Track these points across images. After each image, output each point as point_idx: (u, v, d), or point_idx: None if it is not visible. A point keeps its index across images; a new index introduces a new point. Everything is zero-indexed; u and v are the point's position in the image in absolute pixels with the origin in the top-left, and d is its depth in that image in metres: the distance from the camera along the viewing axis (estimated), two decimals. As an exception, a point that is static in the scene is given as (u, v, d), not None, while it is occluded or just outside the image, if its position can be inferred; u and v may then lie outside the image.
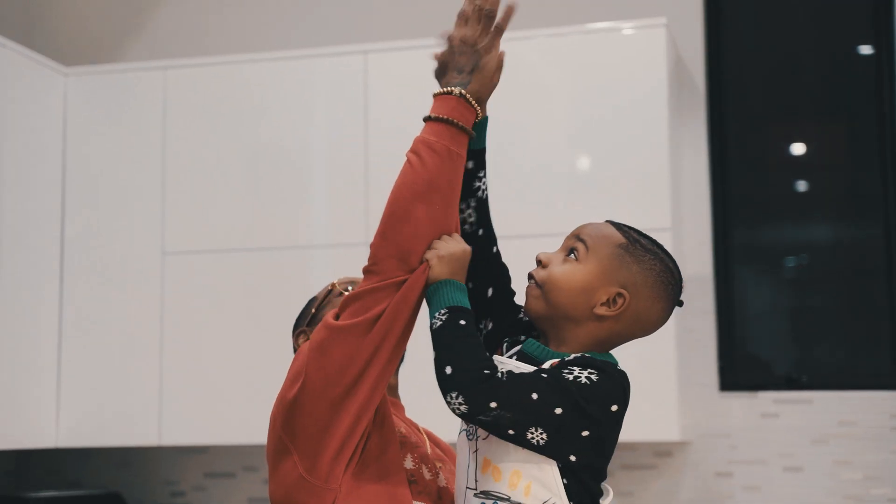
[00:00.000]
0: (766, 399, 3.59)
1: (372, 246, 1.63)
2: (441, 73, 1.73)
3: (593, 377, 1.53)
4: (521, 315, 1.74)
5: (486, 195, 1.75)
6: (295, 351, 1.91)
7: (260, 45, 4.04)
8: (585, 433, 1.53)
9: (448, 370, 1.51)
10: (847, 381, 3.58)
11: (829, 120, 3.79)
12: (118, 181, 3.77)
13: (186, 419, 3.62)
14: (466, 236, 1.72)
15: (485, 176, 1.74)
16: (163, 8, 4.23)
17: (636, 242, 1.64)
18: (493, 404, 1.49)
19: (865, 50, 3.73)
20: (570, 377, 1.53)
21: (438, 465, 1.75)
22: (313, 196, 3.62)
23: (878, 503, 3.49)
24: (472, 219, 1.73)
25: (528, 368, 1.57)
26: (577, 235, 1.66)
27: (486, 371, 1.51)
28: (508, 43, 3.47)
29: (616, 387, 1.56)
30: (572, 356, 1.59)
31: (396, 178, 1.64)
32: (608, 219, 1.70)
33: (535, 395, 1.50)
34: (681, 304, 1.68)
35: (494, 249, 1.76)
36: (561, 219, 3.36)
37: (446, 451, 1.86)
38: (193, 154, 3.73)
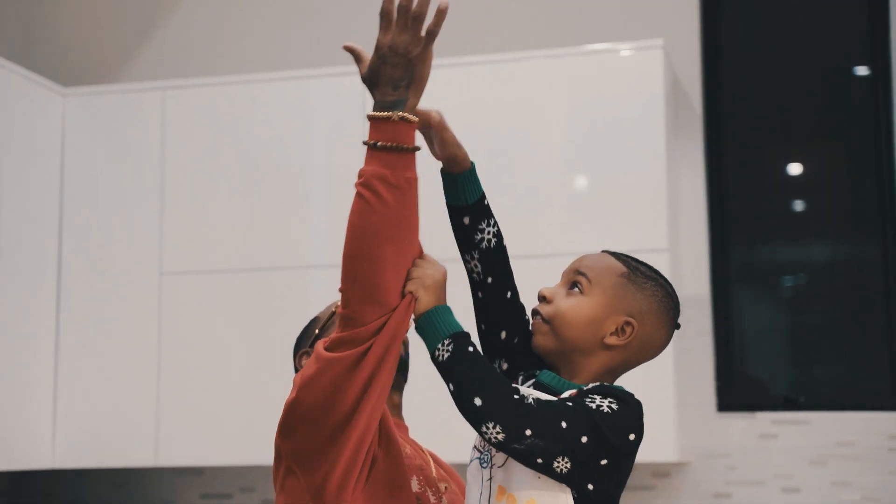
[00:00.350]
0: (765, 420, 3.59)
1: (342, 290, 1.58)
2: (372, 83, 1.63)
3: (614, 406, 1.54)
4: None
5: (494, 243, 1.74)
6: (296, 371, 1.89)
7: (258, 66, 4.05)
8: (604, 462, 1.54)
9: (478, 402, 1.50)
10: (845, 401, 3.58)
11: (826, 140, 3.80)
12: (116, 201, 3.77)
13: (183, 440, 3.61)
14: (476, 285, 1.73)
15: (489, 224, 1.74)
16: (161, 28, 4.25)
17: (636, 270, 1.66)
18: (529, 432, 1.49)
19: (862, 71, 3.75)
20: (594, 406, 1.53)
21: (443, 486, 1.73)
22: (311, 216, 3.63)
23: None
24: (478, 269, 1.73)
25: (551, 398, 1.57)
26: (577, 269, 1.66)
27: (516, 397, 1.51)
28: (507, 64, 3.53)
29: (635, 416, 1.57)
30: (590, 385, 1.60)
31: (351, 215, 1.57)
32: (604, 247, 1.71)
33: (564, 424, 1.51)
34: (678, 326, 1.70)
35: (508, 294, 1.74)
36: (558, 239, 3.38)
37: (449, 472, 1.85)
38: (191, 174, 3.73)
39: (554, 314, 1.63)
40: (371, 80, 1.62)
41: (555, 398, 1.57)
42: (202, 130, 3.75)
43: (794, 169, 3.84)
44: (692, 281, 3.67)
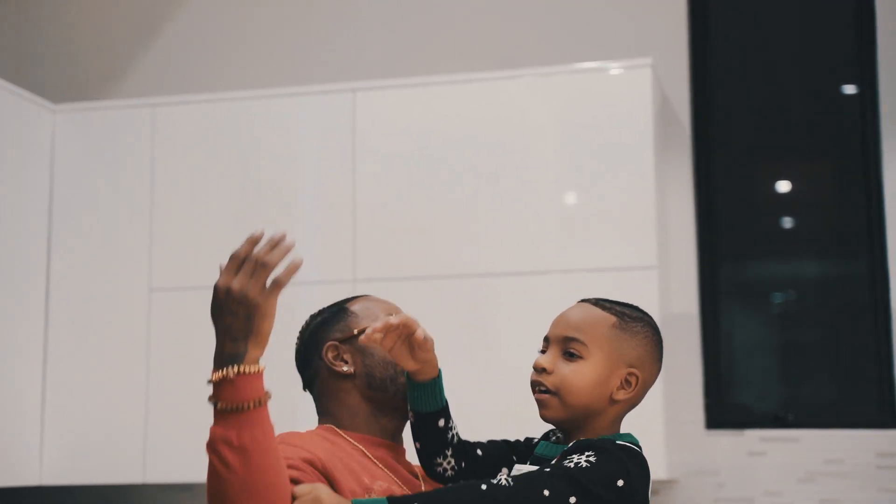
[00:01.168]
0: (753, 437, 3.59)
1: None
2: (215, 321, 1.54)
3: (591, 458, 1.53)
4: (523, 441, 1.77)
5: (456, 429, 1.75)
6: (314, 372, 1.86)
7: (248, 83, 4.05)
8: None
9: None
10: (834, 419, 3.58)
11: (814, 158, 3.82)
12: (106, 217, 3.76)
13: (172, 456, 3.60)
14: (453, 477, 1.73)
15: (452, 422, 1.74)
16: (151, 45, 4.25)
17: (623, 316, 1.66)
18: None
19: (850, 89, 3.77)
20: (572, 465, 1.53)
21: None
22: (301, 233, 3.62)
23: None
24: (451, 463, 1.73)
25: (531, 469, 1.58)
26: (565, 336, 1.64)
27: (483, 487, 1.50)
28: (497, 82, 3.55)
29: (615, 461, 1.55)
30: (570, 444, 1.60)
31: (208, 479, 1.49)
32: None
33: (546, 492, 1.50)
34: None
35: (480, 453, 1.76)
36: (547, 257, 3.39)
37: None
38: (181, 191, 3.73)
39: (560, 385, 1.63)
40: (214, 316, 1.54)
41: (535, 468, 1.58)
42: (192, 147, 3.74)
43: (783, 186, 3.85)
44: (681, 298, 3.68)
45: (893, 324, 3.53)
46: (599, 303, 1.67)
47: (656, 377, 1.69)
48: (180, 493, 3.96)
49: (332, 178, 3.61)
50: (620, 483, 1.53)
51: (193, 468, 3.56)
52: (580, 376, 1.62)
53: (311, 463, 1.62)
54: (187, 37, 4.23)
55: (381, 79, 3.82)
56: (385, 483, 1.71)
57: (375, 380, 1.81)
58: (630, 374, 1.63)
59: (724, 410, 3.66)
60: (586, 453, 1.54)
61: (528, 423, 3.20)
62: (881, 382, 3.58)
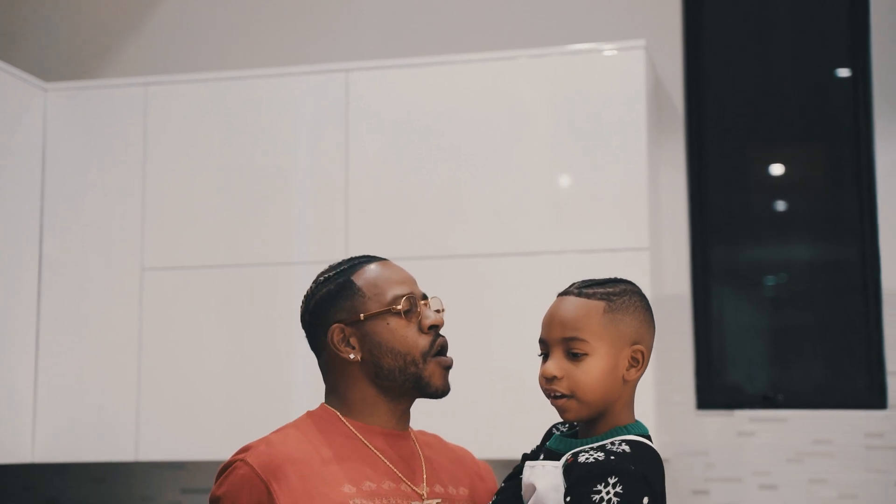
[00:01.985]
0: (743, 418, 3.60)
1: None
2: None
3: (619, 490, 1.53)
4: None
5: None
6: (321, 347, 1.85)
7: (241, 63, 4.04)
8: None
9: None
10: (822, 400, 3.60)
11: (806, 141, 3.82)
12: (98, 196, 3.76)
13: (164, 435, 3.61)
14: None
15: None
16: (143, 24, 4.23)
17: (610, 297, 1.65)
18: None
19: (843, 73, 3.77)
20: (598, 498, 1.53)
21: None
22: (294, 212, 3.62)
23: None
24: None
25: (555, 465, 1.61)
26: (563, 337, 1.64)
27: None
28: (490, 63, 3.53)
29: (639, 483, 1.55)
30: (585, 456, 1.58)
31: None
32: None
33: None
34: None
35: None
36: (540, 238, 3.40)
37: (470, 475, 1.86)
38: (173, 170, 3.72)
39: (574, 387, 1.62)
40: None
41: (549, 463, 1.61)
42: (184, 127, 3.73)
43: (776, 169, 3.85)
44: (673, 280, 3.69)
45: (883, 306, 3.55)
46: (582, 293, 1.66)
47: (654, 337, 1.70)
48: (173, 471, 3.97)
49: (324, 158, 3.61)
50: (646, 501, 1.55)
51: (185, 446, 3.60)
52: (591, 374, 1.62)
53: (249, 479, 1.66)
54: (180, 16, 4.21)
55: (375, 59, 3.81)
56: (373, 484, 1.70)
57: (383, 369, 1.79)
58: (635, 351, 1.64)
59: (714, 391, 3.68)
60: (610, 481, 1.53)
61: (518, 403, 3.22)
62: (870, 364, 3.59)
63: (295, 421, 1.83)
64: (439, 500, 1.75)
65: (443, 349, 1.83)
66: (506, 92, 3.51)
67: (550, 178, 3.47)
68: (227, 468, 1.72)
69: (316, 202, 3.60)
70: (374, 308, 1.80)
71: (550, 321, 1.65)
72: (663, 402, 3.53)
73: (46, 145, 3.78)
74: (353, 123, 3.59)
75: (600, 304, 1.64)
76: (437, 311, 1.86)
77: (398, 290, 1.83)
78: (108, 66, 4.23)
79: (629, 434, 1.62)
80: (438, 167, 3.49)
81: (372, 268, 1.87)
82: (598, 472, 1.54)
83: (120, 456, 3.63)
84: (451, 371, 1.82)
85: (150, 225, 3.69)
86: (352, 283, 1.84)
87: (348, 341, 1.81)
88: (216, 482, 1.73)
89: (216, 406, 3.57)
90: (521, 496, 1.68)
